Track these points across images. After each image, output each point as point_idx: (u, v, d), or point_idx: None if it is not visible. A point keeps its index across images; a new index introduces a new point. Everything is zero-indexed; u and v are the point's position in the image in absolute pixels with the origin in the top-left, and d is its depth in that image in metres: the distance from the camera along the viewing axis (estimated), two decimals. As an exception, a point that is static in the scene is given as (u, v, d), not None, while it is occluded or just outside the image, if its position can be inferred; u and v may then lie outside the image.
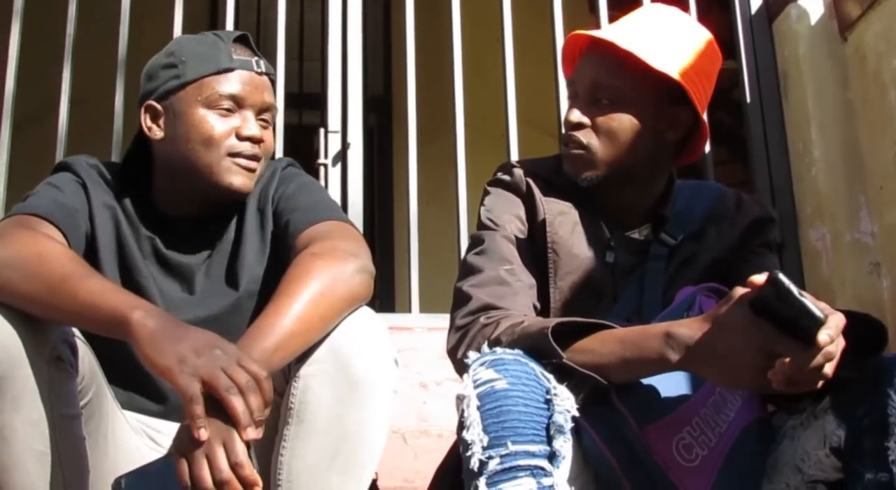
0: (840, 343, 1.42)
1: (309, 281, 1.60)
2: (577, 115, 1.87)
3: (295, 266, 1.66)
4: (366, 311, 1.68)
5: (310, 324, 1.57)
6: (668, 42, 1.87)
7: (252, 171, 1.86)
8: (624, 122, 1.86)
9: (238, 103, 1.85)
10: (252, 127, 1.85)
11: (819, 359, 1.38)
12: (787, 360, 1.39)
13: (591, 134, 1.86)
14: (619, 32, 1.88)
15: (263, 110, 1.88)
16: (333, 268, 1.65)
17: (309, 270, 1.63)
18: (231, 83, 1.84)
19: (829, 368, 1.40)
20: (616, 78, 1.86)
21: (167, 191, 1.91)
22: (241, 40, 1.91)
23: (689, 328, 1.50)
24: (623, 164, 1.87)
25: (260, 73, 1.88)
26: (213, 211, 1.91)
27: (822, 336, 1.37)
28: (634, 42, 1.84)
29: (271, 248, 1.91)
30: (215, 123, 1.83)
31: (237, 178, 1.84)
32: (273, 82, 1.94)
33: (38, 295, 1.53)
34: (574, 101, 1.91)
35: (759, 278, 1.42)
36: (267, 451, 1.64)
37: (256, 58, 1.89)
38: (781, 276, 1.37)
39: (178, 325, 1.48)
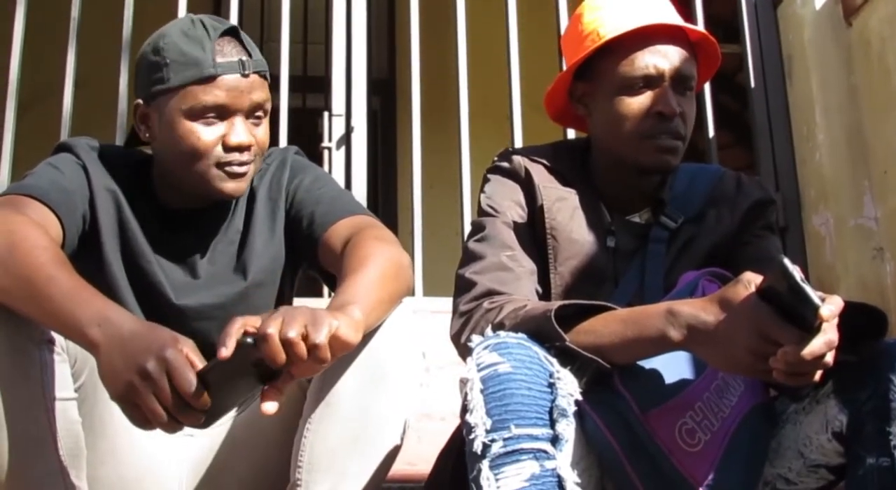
0: (834, 342, 1.40)
1: (383, 259, 1.64)
2: (677, 105, 1.85)
3: (363, 245, 1.68)
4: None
5: (390, 296, 1.61)
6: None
7: (244, 174, 1.81)
8: (695, 107, 1.91)
9: (225, 110, 1.77)
10: (240, 134, 1.78)
11: (821, 345, 1.36)
12: (786, 349, 1.37)
13: (682, 124, 1.86)
14: (677, 18, 1.89)
15: (254, 109, 1.81)
16: (397, 252, 1.69)
17: (381, 250, 1.66)
18: (215, 92, 1.75)
19: (829, 357, 1.39)
20: (693, 64, 1.90)
21: (165, 184, 1.89)
22: (230, 33, 1.81)
23: (692, 306, 1.50)
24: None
25: (246, 75, 1.78)
26: (214, 202, 1.89)
27: (825, 310, 1.34)
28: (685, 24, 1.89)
29: (282, 238, 1.92)
30: (201, 134, 1.76)
31: (228, 185, 1.80)
32: (265, 75, 1.83)
33: (8, 290, 1.50)
34: (661, 89, 1.86)
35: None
36: (288, 433, 1.66)
37: (244, 57, 1.79)
38: (786, 260, 1.36)
39: (134, 339, 1.40)
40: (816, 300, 1.34)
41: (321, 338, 1.37)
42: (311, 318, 1.39)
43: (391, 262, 1.65)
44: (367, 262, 1.61)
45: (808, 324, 1.36)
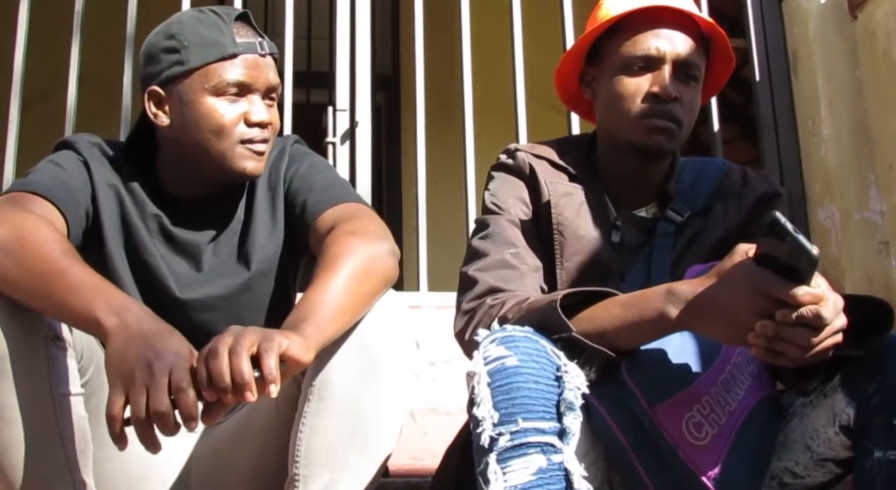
0: (842, 320, 1.42)
1: (352, 258, 1.61)
2: (675, 89, 1.85)
3: (333, 244, 1.66)
4: (389, 294, 1.68)
5: (358, 299, 1.59)
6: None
7: (262, 153, 1.84)
8: (698, 99, 1.91)
9: (245, 88, 1.82)
10: (260, 112, 1.82)
11: (826, 332, 1.39)
12: (788, 312, 1.38)
13: (679, 109, 1.86)
14: (690, 7, 1.90)
15: (270, 91, 1.85)
16: (371, 246, 1.66)
17: (350, 248, 1.64)
18: (237, 69, 1.80)
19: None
20: (701, 56, 1.90)
21: (174, 173, 1.90)
22: (242, 19, 1.86)
23: (690, 284, 1.51)
24: (684, 138, 1.91)
25: (263, 55, 1.84)
26: (220, 191, 1.91)
27: (815, 281, 1.37)
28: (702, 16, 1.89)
29: (282, 227, 1.91)
30: (225, 112, 1.80)
31: (250, 163, 1.82)
32: (276, 60, 1.89)
33: (19, 285, 1.51)
34: (660, 72, 1.86)
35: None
36: (286, 428, 1.65)
37: (260, 39, 1.85)
38: (779, 215, 1.36)
39: (155, 335, 1.42)
40: (814, 252, 1.34)
41: (272, 373, 1.37)
42: (262, 342, 1.39)
43: (361, 261, 1.62)
44: (334, 266, 1.60)
45: (806, 278, 1.38)
